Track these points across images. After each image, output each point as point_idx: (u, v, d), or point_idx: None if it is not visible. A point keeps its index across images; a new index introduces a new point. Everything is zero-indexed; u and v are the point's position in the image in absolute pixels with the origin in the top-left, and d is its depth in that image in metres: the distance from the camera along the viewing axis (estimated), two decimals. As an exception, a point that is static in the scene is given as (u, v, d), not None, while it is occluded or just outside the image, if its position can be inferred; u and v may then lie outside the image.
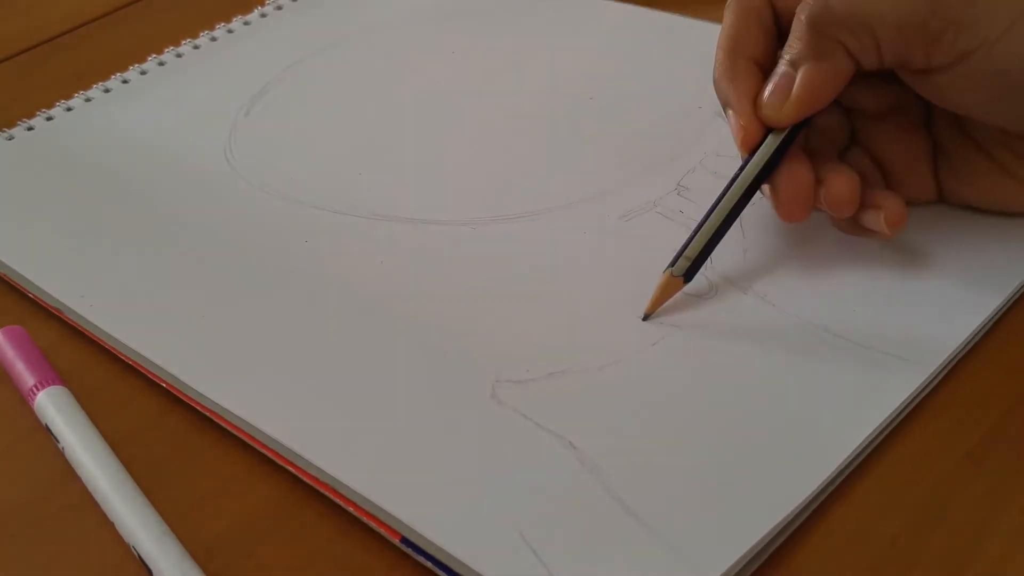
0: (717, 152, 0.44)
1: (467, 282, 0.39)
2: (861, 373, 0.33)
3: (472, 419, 0.33)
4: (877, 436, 0.32)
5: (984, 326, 0.35)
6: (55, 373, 0.37)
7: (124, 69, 0.55)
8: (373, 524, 0.31)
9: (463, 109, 0.49)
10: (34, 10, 0.64)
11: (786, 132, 0.36)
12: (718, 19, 0.38)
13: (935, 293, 0.36)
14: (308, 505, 0.32)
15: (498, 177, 0.44)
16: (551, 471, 0.31)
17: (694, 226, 0.36)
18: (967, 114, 0.36)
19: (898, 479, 0.31)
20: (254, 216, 0.44)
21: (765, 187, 0.37)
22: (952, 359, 0.34)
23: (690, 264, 0.36)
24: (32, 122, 0.52)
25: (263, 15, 0.59)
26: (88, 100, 0.53)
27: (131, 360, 0.38)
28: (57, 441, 0.35)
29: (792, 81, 0.35)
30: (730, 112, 0.37)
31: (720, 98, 0.37)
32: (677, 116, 0.46)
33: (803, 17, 0.34)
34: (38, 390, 0.36)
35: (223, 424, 0.35)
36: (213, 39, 0.57)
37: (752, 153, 0.36)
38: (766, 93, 0.36)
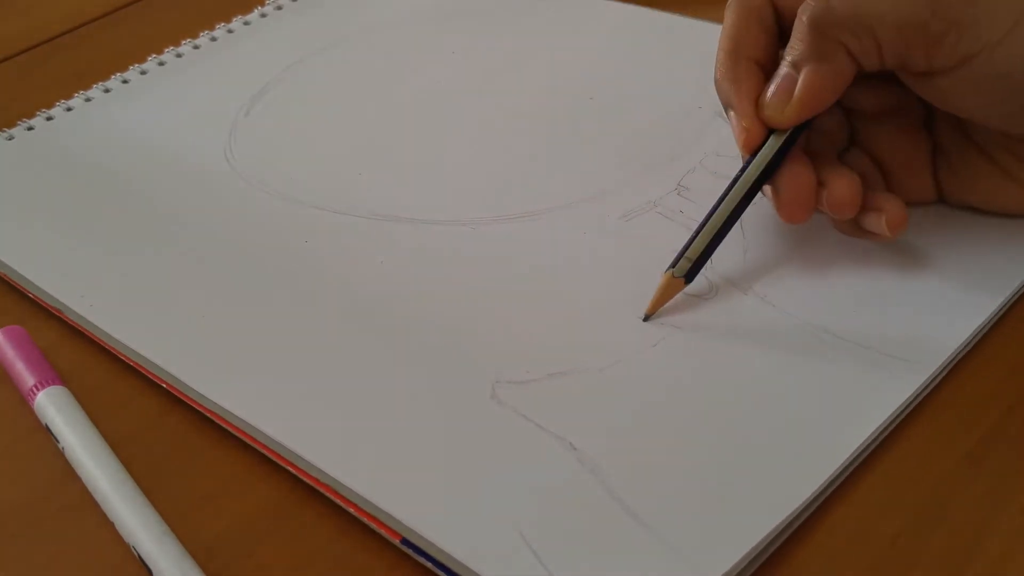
0: (717, 152, 0.44)
1: (467, 282, 0.39)
2: (861, 374, 0.33)
3: (472, 420, 0.33)
4: (877, 436, 0.32)
5: (984, 327, 0.35)
6: (55, 373, 0.37)
7: (124, 69, 0.55)
8: (373, 525, 0.31)
9: (463, 109, 0.49)
10: (34, 10, 0.64)
11: (788, 133, 0.36)
12: (718, 19, 0.38)
13: (935, 294, 0.36)
14: (308, 505, 0.32)
15: (498, 177, 0.44)
16: (551, 471, 0.31)
17: (694, 226, 0.36)
18: (968, 117, 0.36)
19: (898, 479, 0.31)
20: (254, 216, 0.44)
21: (766, 188, 0.37)
22: (952, 360, 0.34)
23: (691, 265, 0.36)
24: (32, 122, 0.52)
25: (263, 15, 0.59)
26: (88, 100, 0.53)
27: (131, 360, 0.38)
28: (57, 441, 0.35)
29: (794, 83, 0.35)
30: (732, 113, 0.37)
31: (721, 99, 0.37)
32: (677, 116, 0.46)
33: (805, 18, 0.34)
34: (38, 390, 0.36)
35: (223, 424, 0.35)
36: (213, 39, 0.57)
37: (754, 154, 0.36)
38: (768, 94, 0.36)
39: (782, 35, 0.37)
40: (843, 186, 0.35)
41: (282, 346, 0.37)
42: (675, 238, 0.37)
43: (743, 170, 0.36)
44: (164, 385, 0.36)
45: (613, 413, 0.33)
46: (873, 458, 0.32)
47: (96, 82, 0.54)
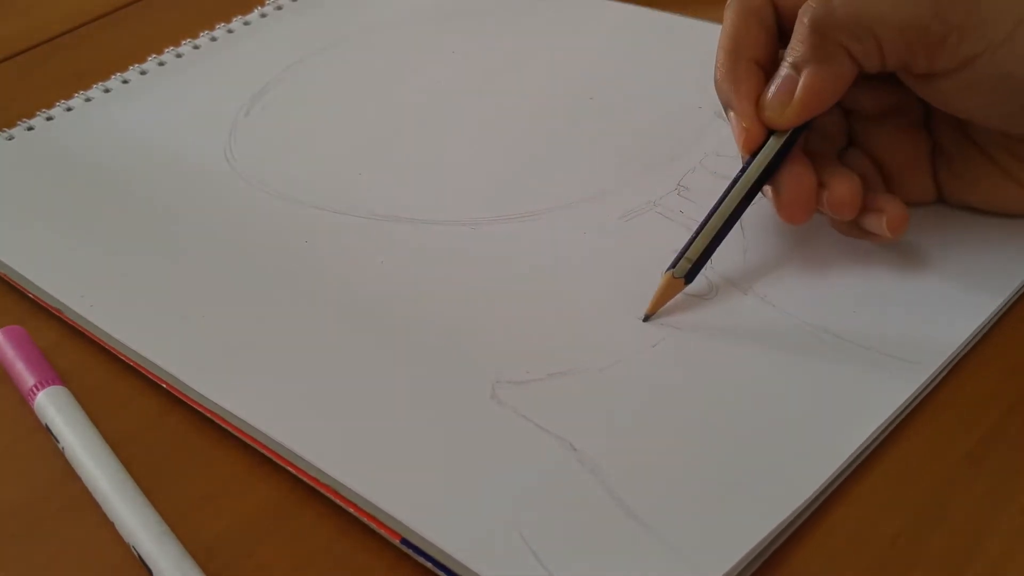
0: (717, 152, 0.44)
1: (467, 282, 0.39)
2: (861, 374, 0.33)
3: (472, 420, 0.33)
4: (877, 436, 0.32)
5: (984, 327, 0.35)
6: (55, 373, 0.37)
7: (124, 69, 0.55)
8: (373, 525, 0.31)
9: (463, 109, 0.49)
10: (34, 10, 0.64)
11: (788, 134, 0.36)
12: (718, 19, 0.38)
13: (935, 294, 0.36)
14: (308, 505, 0.32)
15: (498, 177, 0.44)
16: (551, 472, 0.31)
17: (694, 226, 0.36)
18: (969, 118, 0.36)
19: (898, 479, 0.31)
20: (254, 216, 0.44)
21: (767, 189, 0.37)
22: (952, 360, 0.34)
23: (691, 266, 0.36)
24: (32, 122, 0.52)
25: (263, 15, 0.59)
26: (88, 100, 0.53)
27: (131, 360, 0.38)
28: (57, 441, 0.35)
29: (795, 84, 0.35)
30: (732, 114, 0.37)
31: (721, 99, 0.37)
32: (677, 116, 0.46)
33: (806, 20, 0.34)
34: (38, 390, 0.36)
35: (223, 424, 0.35)
36: (213, 39, 0.57)
37: (753, 155, 0.36)
38: (768, 95, 0.36)
39: (782, 35, 0.37)
40: (843, 187, 0.35)
41: (282, 346, 0.37)
42: (675, 238, 0.37)
43: (743, 171, 0.36)
44: (164, 385, 0.36)
45: (613, 413, 0.33)
46: (873, 458, 0.32)
47: (96, 82, 0.54)
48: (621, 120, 0.47)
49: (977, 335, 0.34)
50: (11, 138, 0.51)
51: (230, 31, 0.58)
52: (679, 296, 0.36)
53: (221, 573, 0.31)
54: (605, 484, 0.30)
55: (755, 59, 0.37)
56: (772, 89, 0.35)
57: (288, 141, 0.49)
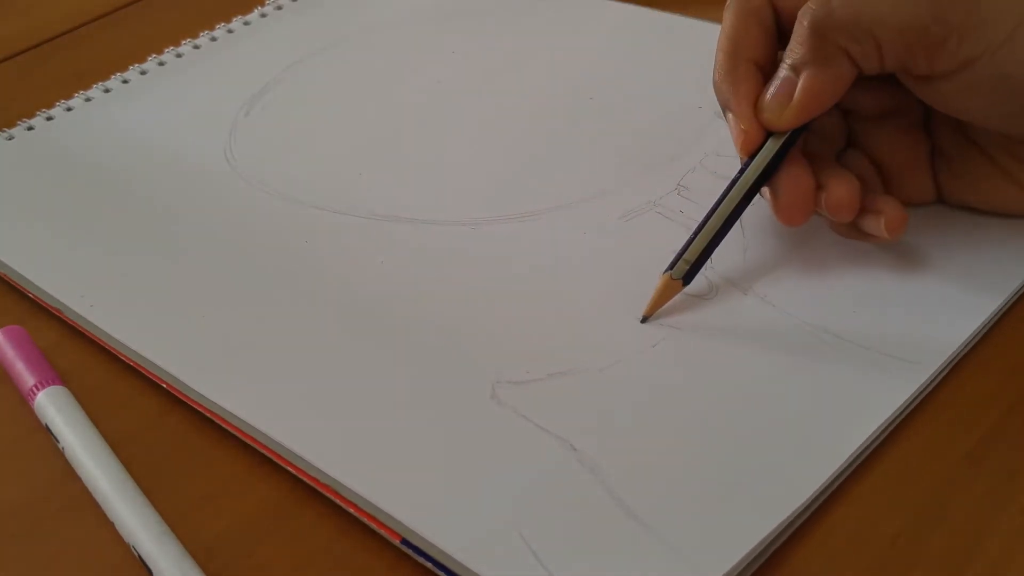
0: (717, 152, 0.44)
1: (467, 282, 0.39)
2: (861, 374, 0.33)
3: (472, 420, 0.33)
4: (877, 436, 0.32)
5: (984, 327, 0.35)
6: (55, 373, 0.37)
7: (124, 69, 0.55)
8: (373, 525, 0.31)
9: (463, 109, 0.49)
10: (34, 10, 0.64)
11: (786, 136, 0.36)
12: (718, 19, 0.37)
13: (935, 294, 0.36)
14: (308, 505, 0.32)
15: (498, 177, 0.44)
16: (551, 471, 0.31)
17: (694, 226, 0.36)
18: (969, 119, 0.36)
19: (898, 479, 0.31)
20: (254, 216, 0.44)
21: (765, 190, 0.37)
22: (952, 360, 0.34)
23: (689, 267, 0.36)
24: (32, 122, 0.52)
25: (263, 15, 0.59)
26: (88, 100, 0.53)
27: (131, 360, 0.38)
28: (57, 441, 0.35)
29: (794, 86, 0.35)
30: (730, 115, 0.37)
31: (720, 100, 0.37)
32: (677, 116, 0.46)
33: (806, 22, 0.34)
34: (38, 390, 0.36)
35: (223, 424, 0.35)
36: (213, 39, 0.57)
37: (752, 156, 0.36)
38: (767, 97, 0.36)
39: (781, 36, 0.37)
40: (842, 188, 0.35)
41: (282, 346, 0.37)
42: (675, 238, 0.37)
43: (741, 172, 0.36)
44: (164, 385, 0.36)
45: (613, 413, 0.33)
46: (873, 458, 0.32)
47: (96, 82, 0.54)
48: (621, 120, 0.47)
49: (977, 335, 0.34)
50: (11, 138, 0.51)
51: (230, 31, 0.58)
52: (679, 296, 0.36)
53: (221, 573, 0.31)
54: (605, 484, 0.30)
55: (754, 60, 0.37)
56: (771, 91, 0.35)
57: (288, 141, 0.49)
